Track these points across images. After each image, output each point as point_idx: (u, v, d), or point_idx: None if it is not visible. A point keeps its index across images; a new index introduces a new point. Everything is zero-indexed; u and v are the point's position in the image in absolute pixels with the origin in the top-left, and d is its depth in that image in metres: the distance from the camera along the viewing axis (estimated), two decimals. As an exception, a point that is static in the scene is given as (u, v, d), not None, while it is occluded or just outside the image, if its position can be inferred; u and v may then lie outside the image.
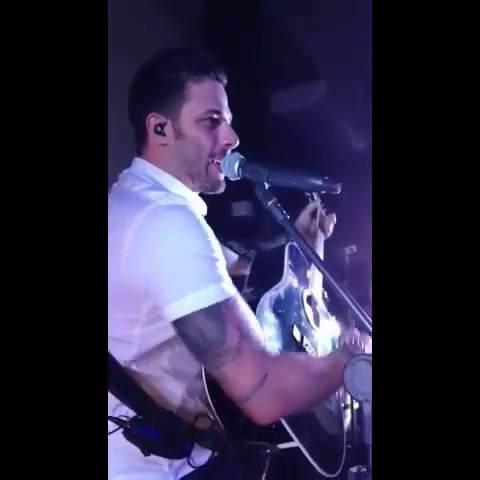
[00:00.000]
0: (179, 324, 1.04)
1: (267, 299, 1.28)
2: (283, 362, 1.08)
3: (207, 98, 1.23)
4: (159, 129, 1.23)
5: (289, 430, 1.14)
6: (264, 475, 1.13)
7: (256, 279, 1.07)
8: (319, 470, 1.18)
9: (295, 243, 1.64)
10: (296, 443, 1.15)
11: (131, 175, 1.23)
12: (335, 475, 1.25)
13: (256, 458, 1.15)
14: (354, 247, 2.76)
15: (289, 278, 1.47)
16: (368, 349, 1.37)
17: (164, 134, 1.23)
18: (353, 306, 1.01)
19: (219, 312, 1.02)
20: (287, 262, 1.51)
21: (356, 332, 1.46)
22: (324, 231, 1.82)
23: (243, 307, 1.07)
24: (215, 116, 1.23)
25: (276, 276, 1.45)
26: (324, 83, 2.90)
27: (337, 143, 2.81)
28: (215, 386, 1.10)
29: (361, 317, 1.01)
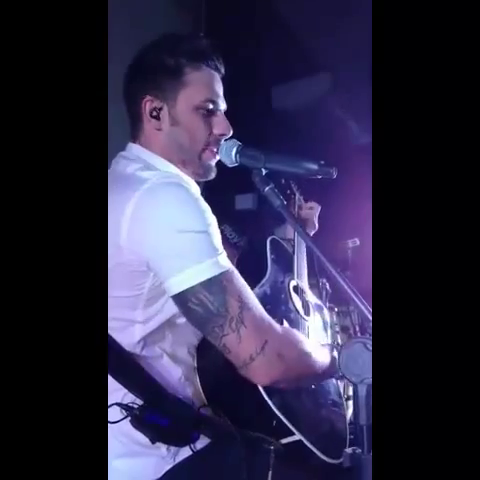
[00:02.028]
0: (180, 298, 1.06)
1: None
2: (283, 332, 1.10)
3: (204, 86, 1.24)
4: (155, 113, 1.23)
5: (289, 424, 1.15)
6: (270, 473, 1.13)
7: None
8: (323, 457, 1.19)
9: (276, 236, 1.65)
10: (297, 436, 1.16)
11: (124, 158, 1.24)
12: (340, 460, 1.26)
13: (259, 448, 1.15)
14: (357, 240, 2.76)
15: (273, 272, 1.49)
16: None
17: (159, 119, 1.23)
18: (350, 290, 1.02)
19: (219, 284, 1.05)
20: (270, 256, 1.53)
21: None
22: (304, 224, 1.79)
23: (240, 279, 1.09)
24: (211, 106, 1.24)
25: (260, 272, 1.47)
26: (326, 76, 2.90)
27: (341, 136, 2.81)
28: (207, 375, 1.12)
29: (359, 303, 1.01)
